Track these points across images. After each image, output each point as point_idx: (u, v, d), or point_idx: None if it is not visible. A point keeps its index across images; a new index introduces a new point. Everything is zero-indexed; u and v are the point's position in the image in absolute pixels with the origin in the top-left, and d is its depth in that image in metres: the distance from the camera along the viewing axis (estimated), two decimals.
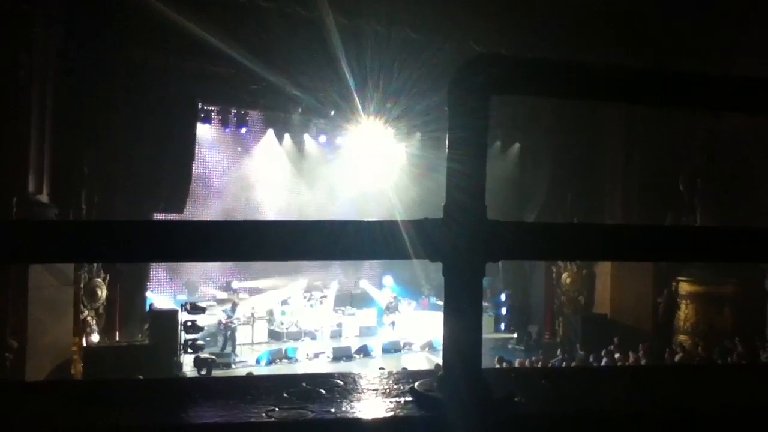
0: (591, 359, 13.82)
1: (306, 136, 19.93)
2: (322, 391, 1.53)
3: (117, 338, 14.19)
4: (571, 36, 14.41)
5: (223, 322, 16.55)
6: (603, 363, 13.21)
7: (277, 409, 1.41)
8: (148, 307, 15.33)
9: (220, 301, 18.23)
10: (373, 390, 1.56)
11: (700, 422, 1.54)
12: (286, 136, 19.82)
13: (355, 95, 16.91)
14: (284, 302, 18.78)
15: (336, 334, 18.36)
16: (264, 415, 1.38)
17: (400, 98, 17.71)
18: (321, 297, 19.14)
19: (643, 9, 14.84)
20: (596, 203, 17.89)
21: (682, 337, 15.79)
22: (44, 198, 12.10)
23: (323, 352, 16.63)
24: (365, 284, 20.59)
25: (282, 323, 18.24)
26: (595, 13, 14.73)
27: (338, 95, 17.16)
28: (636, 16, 14.96)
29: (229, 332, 16.44)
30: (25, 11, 11.41)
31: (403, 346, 17.65)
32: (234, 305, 17.42)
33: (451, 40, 14.76)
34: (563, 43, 14.04)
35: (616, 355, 14.11)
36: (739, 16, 14.71)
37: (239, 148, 19.85)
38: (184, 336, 14.30)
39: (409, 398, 1.49)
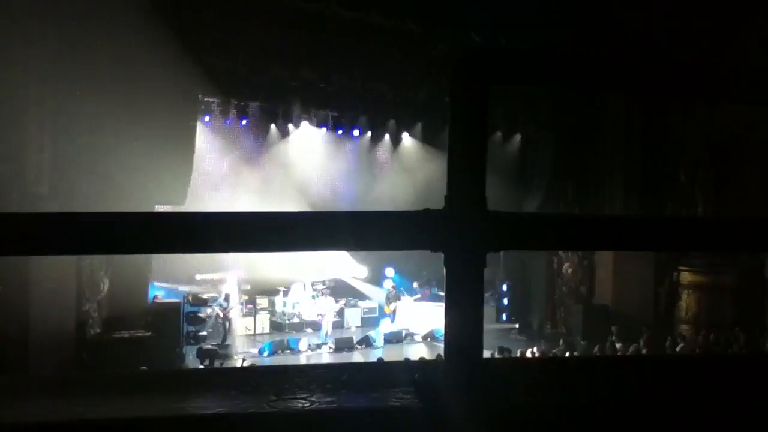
0: (595, 349, 13.83)
1: (307, 126, 19.82)
2: (323, 381, 1.53)
3: (119, 330, 14.19)
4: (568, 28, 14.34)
5: (219, 313, 16.59)
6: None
7: (278, 399, 1.42)
8: (150, 299, 15.34)
9: (221, 292, 18.24)
10: (375, 380, 1.57)
11: (700, 412, 1.55)
12: (289, 127, 19.76)
13: (356, 86, 16.87)
14: (286, 293, 18.78)
15: (338, 325, 18.37)
16: (265, 405, 1.39)
17: (401, 88, 17.67)
18: (322, 288, 19.13)
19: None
20: (597, 194, 17.87)
21: (683, 327, 15.80)
22: (45, 191, 12.09)
23: (325, 343, 16.67)
24: (364, 275, 20.52)
25: (284, 314, 18.28)
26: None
27: (339, 86, 17.11)
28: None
29: (227, 323, 16.48)
30: (23, 6, 11.36)
31: (405, 337, 17.68)
32: (227, 296, 17.41)
33: (452, 32, 14.70)
34: (561, 35, 13.97)
35: (618, 345, 14.14)
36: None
37: (240, 140, 19.82)
38: (186, 327, 14.31)
39: (411, 388, 1.49)
